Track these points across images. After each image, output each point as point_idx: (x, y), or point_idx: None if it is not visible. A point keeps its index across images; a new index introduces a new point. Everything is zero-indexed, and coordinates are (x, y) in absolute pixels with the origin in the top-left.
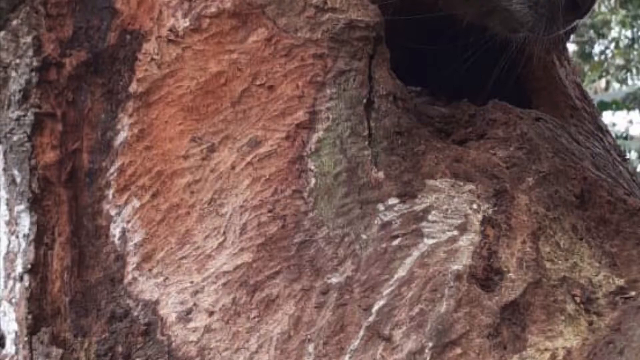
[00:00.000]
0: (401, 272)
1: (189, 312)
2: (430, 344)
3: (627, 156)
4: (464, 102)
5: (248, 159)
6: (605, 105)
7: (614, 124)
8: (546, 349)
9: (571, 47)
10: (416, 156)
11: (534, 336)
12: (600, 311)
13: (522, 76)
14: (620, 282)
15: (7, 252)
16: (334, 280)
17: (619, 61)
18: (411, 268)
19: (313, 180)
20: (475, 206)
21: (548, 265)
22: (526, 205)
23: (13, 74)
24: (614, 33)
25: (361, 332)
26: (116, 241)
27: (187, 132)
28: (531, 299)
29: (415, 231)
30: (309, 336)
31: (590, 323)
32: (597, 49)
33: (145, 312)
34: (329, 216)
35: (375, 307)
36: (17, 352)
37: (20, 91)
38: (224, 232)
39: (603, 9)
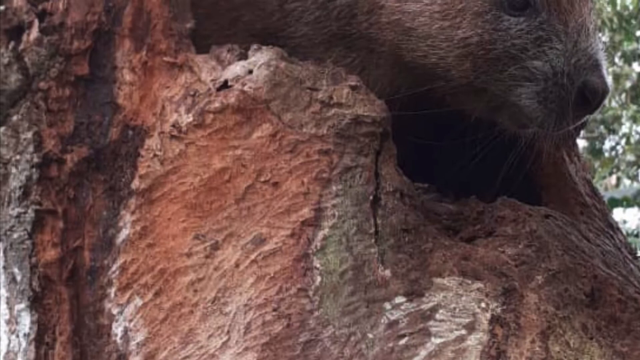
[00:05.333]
0: None
1: None
2: None
3: (638, 254)
4: (472, 198)
5: (252, 256)
6: (616, 202)
7: (625, 222)
8: None
9: (581, 142)
10: (423, 254)
11: None
12: None
13: (532, 172)
14: None
15: (7, 352)
16: None
17: (630, 157)
18: None
19: (319, 279)
20: (483, 305)
21: None
22: (535, 304)
23: (13, 170)
24: (624, 129)
25: None
26: (118, 340)
27: (191, 229)
28: None
29: (422, 330)
30: None
31: None
32: (607, 144)
33: None
34: (334, 315)
35: None
36: None
37: (20, 188)
38: (228, 331)
39: (614, 104)
